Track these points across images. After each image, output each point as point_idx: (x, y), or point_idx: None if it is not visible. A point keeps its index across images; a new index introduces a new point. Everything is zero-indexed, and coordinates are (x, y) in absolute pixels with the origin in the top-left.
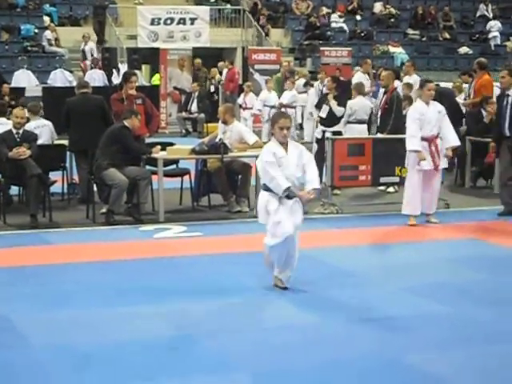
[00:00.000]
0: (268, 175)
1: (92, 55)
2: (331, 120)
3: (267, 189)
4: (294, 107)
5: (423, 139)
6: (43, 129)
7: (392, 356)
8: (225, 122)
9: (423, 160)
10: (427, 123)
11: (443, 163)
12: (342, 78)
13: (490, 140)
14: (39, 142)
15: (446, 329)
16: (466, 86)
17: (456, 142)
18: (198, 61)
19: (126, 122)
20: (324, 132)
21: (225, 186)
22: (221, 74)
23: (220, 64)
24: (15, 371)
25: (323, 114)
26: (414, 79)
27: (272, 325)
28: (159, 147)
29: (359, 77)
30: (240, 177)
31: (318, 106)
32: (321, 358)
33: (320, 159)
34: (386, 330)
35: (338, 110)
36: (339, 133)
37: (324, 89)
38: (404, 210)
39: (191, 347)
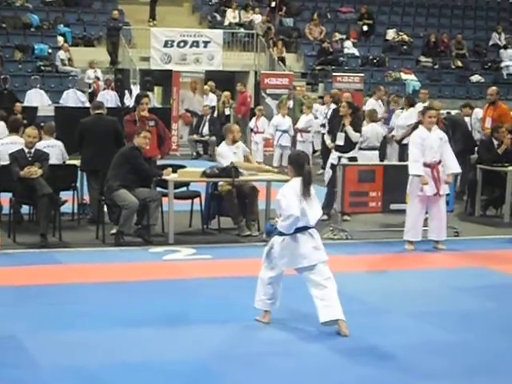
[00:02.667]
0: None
1: (98, 79)
2: (347, 146)
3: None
4: (309, 132)
5: (425, 165)
6: (53, 149)
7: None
8: (235, 142)
9: (426, 185)
10: (429, 149)
11: (444, 189)
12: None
13: (501, 169)
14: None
15: (453, 357)
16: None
17: (457, 169)
18: (211, 84)
19: (135, 142)
20: (340, 158)
21: (235, 210)
22: (233, 98)
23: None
24: None
25: (340, 142)
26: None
27: (275, 350)
28: (170, 169)
29: (372, 103)
30: (247, 200)
31: (331, 132)
32: None
33: (334, 185)
34: (392, 358)
35: (355, 136)
36: (354, 158)
37: (328, 112)
38: (406, 235)
39: (198, 370)
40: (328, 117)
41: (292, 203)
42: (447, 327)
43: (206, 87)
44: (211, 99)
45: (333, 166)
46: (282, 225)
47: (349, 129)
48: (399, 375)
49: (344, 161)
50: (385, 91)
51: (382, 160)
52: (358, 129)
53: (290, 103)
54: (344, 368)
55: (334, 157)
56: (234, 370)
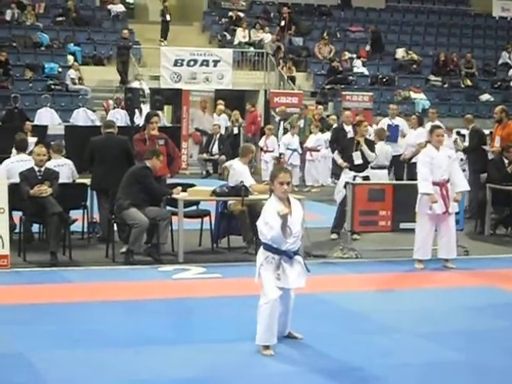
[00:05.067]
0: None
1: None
2: (364, 165)
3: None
4: (319, 150)
5: (434, 184)
6: (63, 168)
7: None
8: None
9: (435, 203)
10: (438, 168)
11: (453, 208)
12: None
13: (511, 188)
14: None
15: (462, 376)
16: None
17: (465, 187)
18: (221, 103)
19: (147, 163)
20: (355, 177)
21: (247, 229)
22: (243, 117)
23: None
24: None
25: (358, 161)
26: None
27: (284, 369)
28: (180, 188)
29: (384, 122)
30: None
31: (343, 152)
32: None
33: (345, 205)
34: (400, 376)
35: (372, 156)
36: (368, 178)
37: None
38: (415, 254)
39: None
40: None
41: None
42: (455, 347)
43: (220, 107)
44: (225, 119)
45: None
46: None
47: (365, 148)
48: None
49: (359, 180)
50: (396, 109)
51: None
52: (372, 148)
53: (301, 122)
54: None
55: (349, 176)
56: None
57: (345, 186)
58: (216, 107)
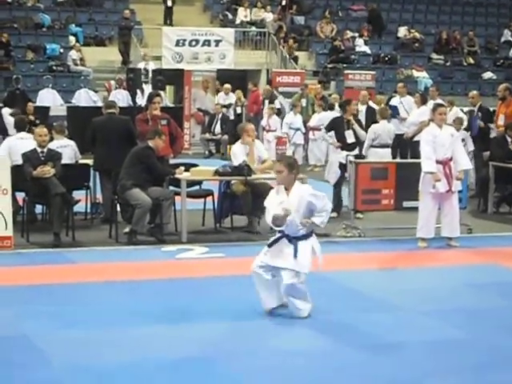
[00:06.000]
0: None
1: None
2: (355, 144)
3: None
4: (321, 129)
5: (437, 162)
6: (65, 149)
7: (408, 380)
8: (250, 142)
9: (438, 181)
10: (440, 146)
11: (457, 186)
12: (371, 103)
13: None
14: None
15: (465, 354)
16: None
17: (468, 166)
18: (228, 86)
19: (150, 143)
20: (347, 156)
21: (249, 209)
22: (245, 96)
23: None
24: None
25: (351, 140)
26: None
27: (288, 348)
28: (182, 168)
29: (395, 101)
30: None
31: (337, 132)
32: (337, 381)
33: (341, 185)
34: (403, 354)
35: (363, 134)
36: (362, 156)
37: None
38: (418, 233)
39: (209, 369)
40: None
41: None
42: (458, 324)
43: (227, 86)
44: (231, 98)
45: (341, 166)
46: (324, 221)
47: (357, 127)
48: (407, 372)
49: (351, 159)
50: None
51: (394, 158)
52: (362, 127)
53: (303, 102)
54: (354, 365)
55: (342, 156)
56: (245, 368)
57: (339, 167)
58: (223, 86)
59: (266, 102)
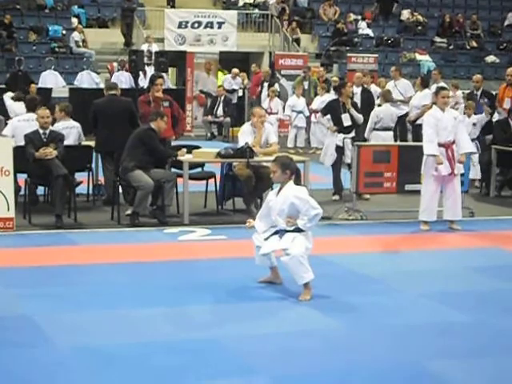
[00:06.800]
0: None
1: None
2: (351, 127)
3: None
4: None
5: (440, 145)
6: (71, 130)
7: (411, 363)
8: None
9: (441, 164)
10: (443, 129)
11: (459, 169)
12: (367, 86)
13: None
14: (66, 142)
15: (467, 337)
16: None
17: (471, 149)
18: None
19: (152, 124)
20: (344, 139)
21: (250, 195)
22: (248, 78)
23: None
24: (38, 370)
25: (348, 123)
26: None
27: (292, 329)
28: (185, 150)
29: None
30: (263, 183)
31: (333, 115)
32: (340, 363)
33: (339, 168)
34: (406, 337)
35: (360, 118)
36: (356, 139)
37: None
38: (421, 216)
39: (213, 350)
40: None
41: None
42: (460, 307)
43: (235, 70)
44: (238, 82)
45: (337, 148)
46: (309, 226)
47: (353, 110)
48: (410, 355)
49: (348, 141)
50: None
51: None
52: (357, 110)
53: (306, 84)
54: (357, 347)
55: (339, 139)
56: (251, 349)
57: (336, 149)
58: (231, 71)
59: (266, 84)
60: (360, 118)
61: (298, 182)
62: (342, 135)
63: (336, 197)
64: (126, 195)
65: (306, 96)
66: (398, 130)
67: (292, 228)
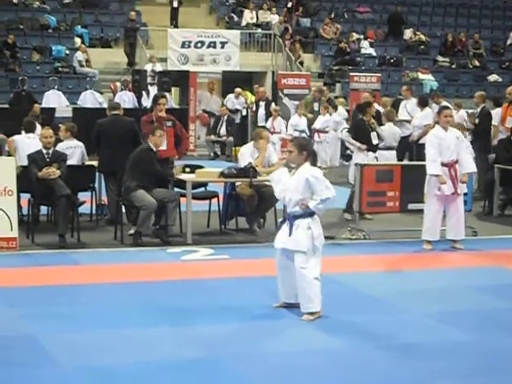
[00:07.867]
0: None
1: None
2: (376, 145)
3: None
4: (327, 132)
5: (443, 165)
6: (75, 150)
7: (414, 382)
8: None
9: (444, 184)
10: (446, 149)
11: (462, 188)
12: (377, 106)
13: None
14: (69, 162)
15: (470, 357)
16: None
17: (472, 169)
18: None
19: (149, 143)
20: (376, 158)
21: (252, 214)
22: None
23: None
24: None
25: (376, 141)
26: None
27: (295, 349)
28: (179, 167)
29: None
30: (266, 203)
31: (361, 135)
32: (343, 382)
33: None
34: (409, 356)
35: (383, 136)
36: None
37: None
38: (424, 235)
39: (216, 370)
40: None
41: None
42: (463, 327)
43: (237, 90)
44: (241, 102)
45: None
46: (320, 207)
47: (379, 129)
48: (414, 374)
49: (375, 160)
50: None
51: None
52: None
53: (316, 105)
54: (362, 366)
55: (370, 157)
56: (253, 369)
57: None
58: (234, 90)
59: (262, 103)
60: (384, 135)
61: (314, 164)
62: (371, 154)
63: (349, 216)
64: (129, 215)
65: (315, 117)
66: (408, 151)
67: (302, 212)
